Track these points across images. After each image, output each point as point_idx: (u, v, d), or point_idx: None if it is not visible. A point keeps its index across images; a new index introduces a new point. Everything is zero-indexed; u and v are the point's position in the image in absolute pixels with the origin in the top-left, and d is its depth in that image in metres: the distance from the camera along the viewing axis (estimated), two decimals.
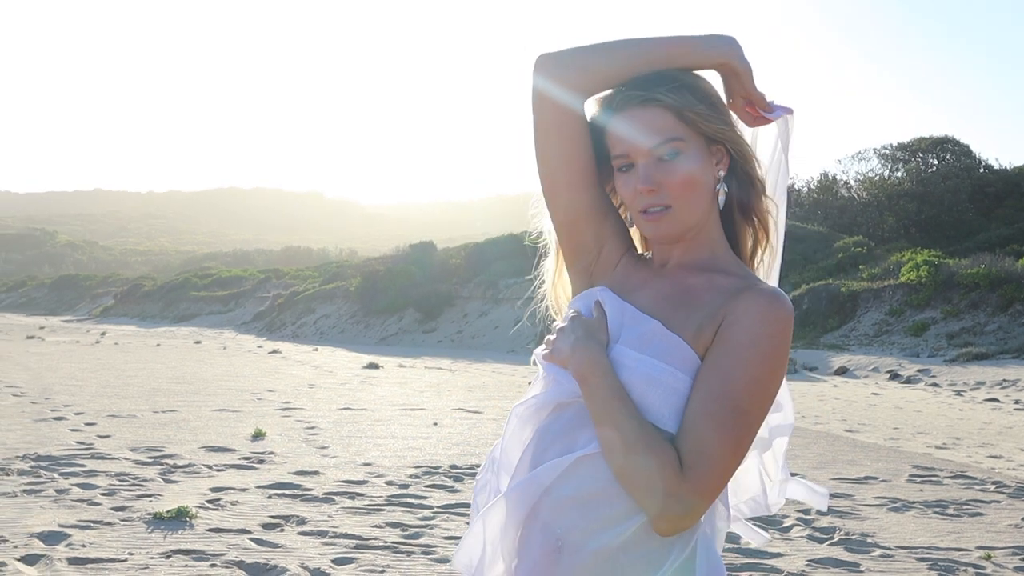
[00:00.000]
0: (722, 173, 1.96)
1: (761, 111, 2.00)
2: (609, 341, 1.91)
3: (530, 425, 1.98)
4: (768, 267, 2.10)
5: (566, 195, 2.03)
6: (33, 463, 9.06)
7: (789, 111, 2.02)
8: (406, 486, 8.72)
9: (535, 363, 2.01)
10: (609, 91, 1.97)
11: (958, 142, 49.71)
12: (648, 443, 1.78)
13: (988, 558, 6.78)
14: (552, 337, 1.97)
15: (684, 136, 1.90)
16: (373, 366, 25.43)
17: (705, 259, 1.98)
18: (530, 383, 2.04)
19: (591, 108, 2.00)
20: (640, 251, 2.12)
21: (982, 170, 48.02)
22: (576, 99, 1.98)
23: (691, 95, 1.91)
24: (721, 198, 1.97)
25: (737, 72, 1.96)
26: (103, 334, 42.86)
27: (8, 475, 8.44)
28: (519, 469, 1.95)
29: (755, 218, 2.04)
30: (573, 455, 1.85)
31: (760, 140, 2.08)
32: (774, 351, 1.83)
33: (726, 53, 1.94)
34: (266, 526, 7.02)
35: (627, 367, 1.85)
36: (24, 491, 7.81)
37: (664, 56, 1.93)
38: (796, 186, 50.38)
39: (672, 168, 1.89)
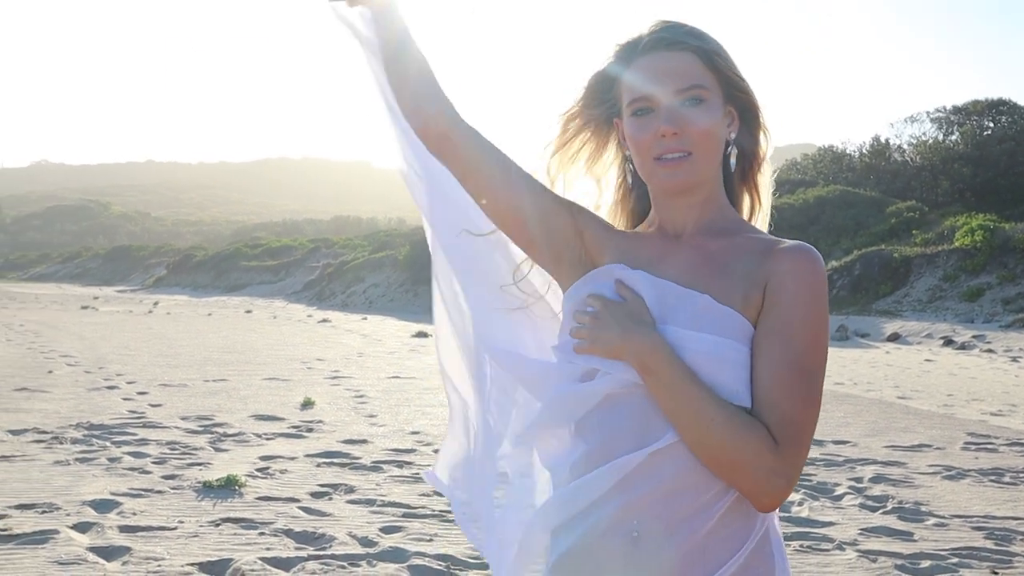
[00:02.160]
0: (733, 135, 1.93)
1: None
2: (654, 322, 1.83)
3: (564, 418, 1.91)
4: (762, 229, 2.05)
5: (511, 205, 1.98)
6: (86, 432, 9.16)
7: None
8: None
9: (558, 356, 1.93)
10: (632, 35, 1.93)
11: (1015, 104, 48.70)
12: (738, 424, 1.73)
13: None
14: (579, 326, 1.86)
15: (709, 86, 1.86)
16: (422, 335, 25.48)
17: (718, 222, 1.94)
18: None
19: (607, 55, 1.96)
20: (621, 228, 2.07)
21: None
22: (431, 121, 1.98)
23: (717, 45, 1.89)
24: (733, 160, 1.94)
25: None
26: (156, 304, 43.33)
27: (62, 443, 8.55)
28: (579, 467, 1.86)
29: (753, 184, 2.01)
30: (646, 451, 1.78)
31: None
32: (824, 306, 1.81)
33: None
34: (314, 494, 7.04)
35: (689, 349, 1.78)
36: (77, 459, 7.90)
37: None
38: (848, 151, 49.80)
39: (695, 115, 1.84)
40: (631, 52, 1.90)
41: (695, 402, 1.74)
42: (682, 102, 1.84)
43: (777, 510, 1.91)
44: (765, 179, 2.02)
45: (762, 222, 2.04)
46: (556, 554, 1.87)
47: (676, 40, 1.86)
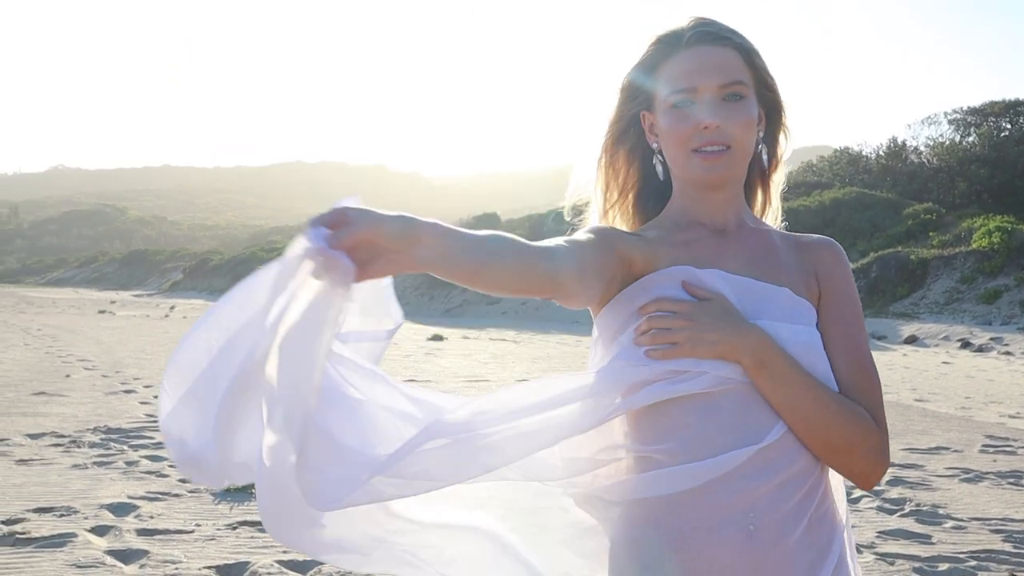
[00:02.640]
0: (762, 134, 1.96)
1: None
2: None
3: (651, 417, 1.84)
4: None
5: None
6: (103, 435, 9.20)
7: None
8: None
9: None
10: (673, 28, 1.93)
11: None
12: (850, 409, 1.82)
13: None
14: (655, 331, 1.79)
15: (748, 83, 1.89)
16: (437, 338, 25.51)
17: (745, 216, 2.00)
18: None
19: (644, 48, 1.95)
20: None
21: None
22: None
23: (754, 44, 1.93)
24: (765, 158, 1.98)
25: None
26: (172, 308, 43.50)
27: (79, 447, 8.58)
28: (670, 459, 1.81)
29: (769, 182, 2.06)
30: (760, 444, 1.77)
31: None
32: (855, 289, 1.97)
33: None
34: None
35: (787, 340, 1.82)
36: (95, 463, 7.93)
37: None
38: (864, 152, 49.65)
39: (736, 110, 1.86)
40: (674, 45, 1.90)
41: (812, 391, 1.80)
42: (724, 97, 1.86)
43: None
44: (778, 178, 2.07)
45: (772, 220, 2.09)
46: (654, 553, 1.80)
47: (721, 36, 1.89)
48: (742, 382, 1.79)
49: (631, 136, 2.01)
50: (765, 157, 1.98)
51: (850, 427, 1.80)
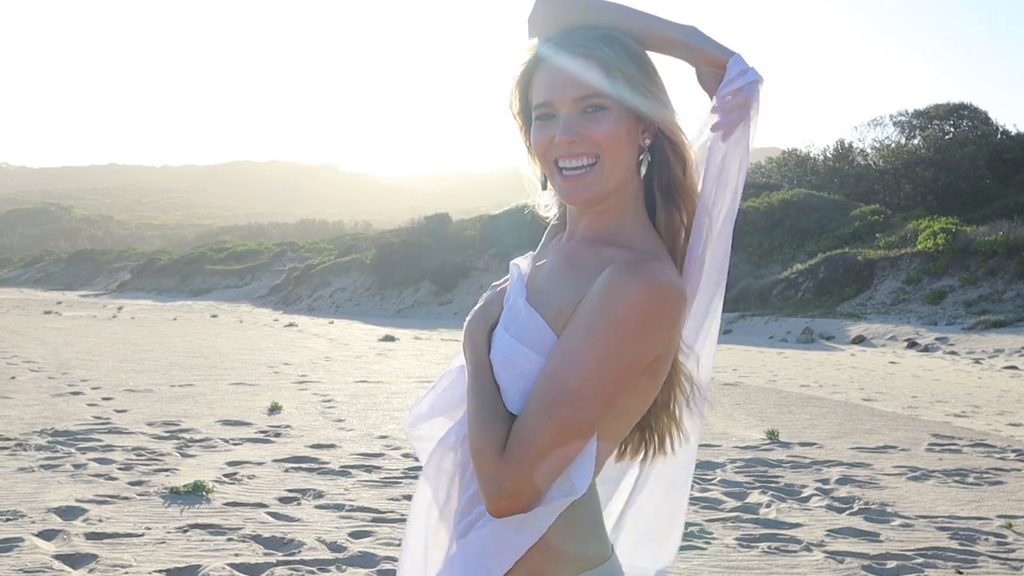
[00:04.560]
0: (648, 142, 1.85)
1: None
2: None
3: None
4: (702, 254, 1.86)
5: None
6: (51, 438, 9.08)
7: (758, 78, 1.83)
8: None
9: None
10: (543, 38, 1.88)
11: (975, 108, 49.31)
12: (483, 424, 1.76)
13: (1009, 527, 6.72)
14: None
15: (610, 95, 1.79)
16: (389, 338, 25.43)
17: (611, 231, 1.86)
18: None
19: (523, 56, 1.91)
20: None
21: (999, 136, 47.60)
22: None
23: (626, 55, 1.81)
24: (643, 168, 1.86)
25: (693, 47, 1.86)
26: (120, 308, 42.99)
27: (26, 450, 8.46)
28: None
29: (678, 199, 1.87)
30: (448, 436, 1.97)
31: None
32: (616, 326, 1.68)
33: (686, 34, 1.85)
34: (283, 500, 7.02)
35: (494, 346, 1.84)
36: (42, 466, 7.83)
37: (627, 26, 1.85)
38: (812, 154, 50.13)
39: (595, 122, 1.79)
40: (539, 53, 1.86)
41: (470, 393, 1.82)
42: (582, 110, 1.80)
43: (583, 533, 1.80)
44: (694, 186, 1.88)
45: (697, 237, 1.88)
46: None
47: (580, 45, 1.81)
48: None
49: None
50: (643, 168, 1.85)
51: (477, 443, 1.74)
